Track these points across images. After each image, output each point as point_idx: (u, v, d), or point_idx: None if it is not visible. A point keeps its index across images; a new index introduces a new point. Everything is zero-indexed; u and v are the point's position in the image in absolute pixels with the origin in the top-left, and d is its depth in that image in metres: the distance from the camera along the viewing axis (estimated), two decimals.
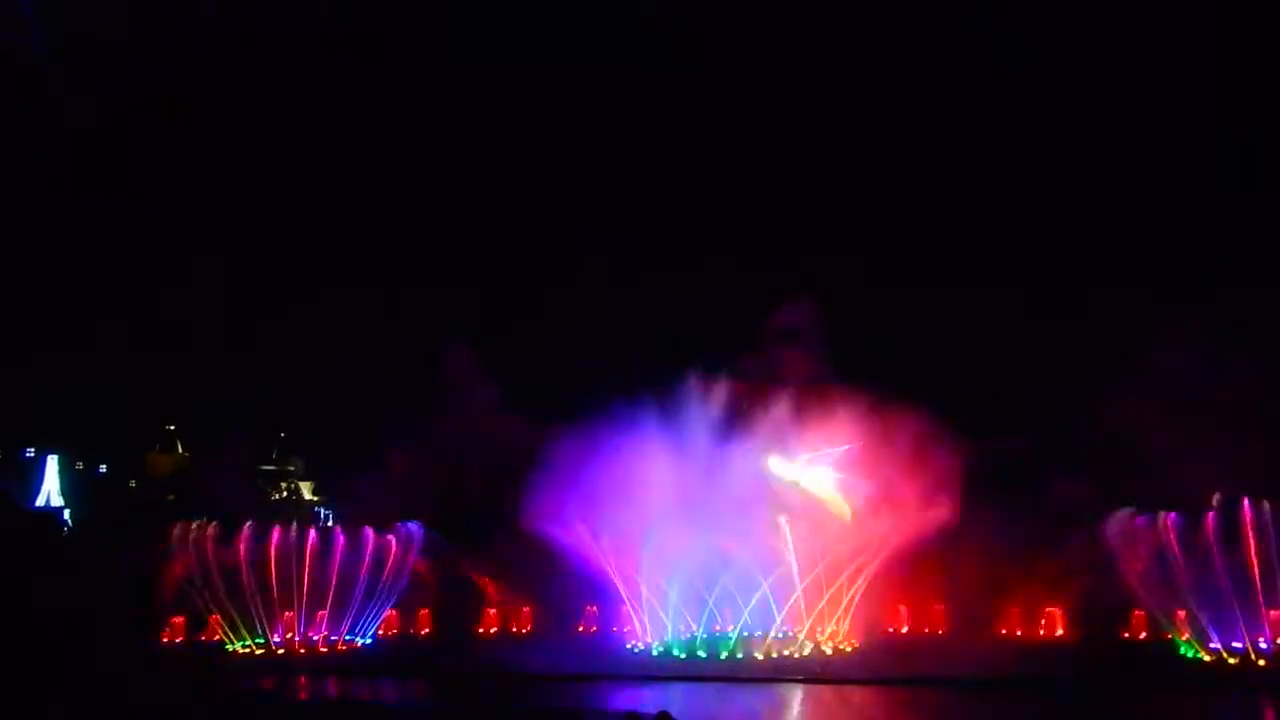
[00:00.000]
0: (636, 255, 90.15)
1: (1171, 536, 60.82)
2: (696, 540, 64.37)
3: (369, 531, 67.91)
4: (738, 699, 57.10)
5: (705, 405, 72.05)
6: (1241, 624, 58.94)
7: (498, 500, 69.68)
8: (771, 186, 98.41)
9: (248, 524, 67.04)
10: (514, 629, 71.31)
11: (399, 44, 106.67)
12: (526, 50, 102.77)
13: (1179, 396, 68.26)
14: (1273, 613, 59.28)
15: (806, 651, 63.53)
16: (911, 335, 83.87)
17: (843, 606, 65.84)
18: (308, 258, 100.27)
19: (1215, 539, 59.86)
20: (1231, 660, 58.56)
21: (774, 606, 65.04)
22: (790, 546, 66.34)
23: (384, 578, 68.17)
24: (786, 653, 63.32)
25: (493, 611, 71.09)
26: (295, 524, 69.30)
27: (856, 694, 56.97)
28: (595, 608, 69.26)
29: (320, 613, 66.95)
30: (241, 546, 66.24)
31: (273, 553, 66.48)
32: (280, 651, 65.63)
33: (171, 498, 79.57)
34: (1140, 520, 61.78)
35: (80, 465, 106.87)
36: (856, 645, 65.39)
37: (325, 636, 66.92)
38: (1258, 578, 59.16)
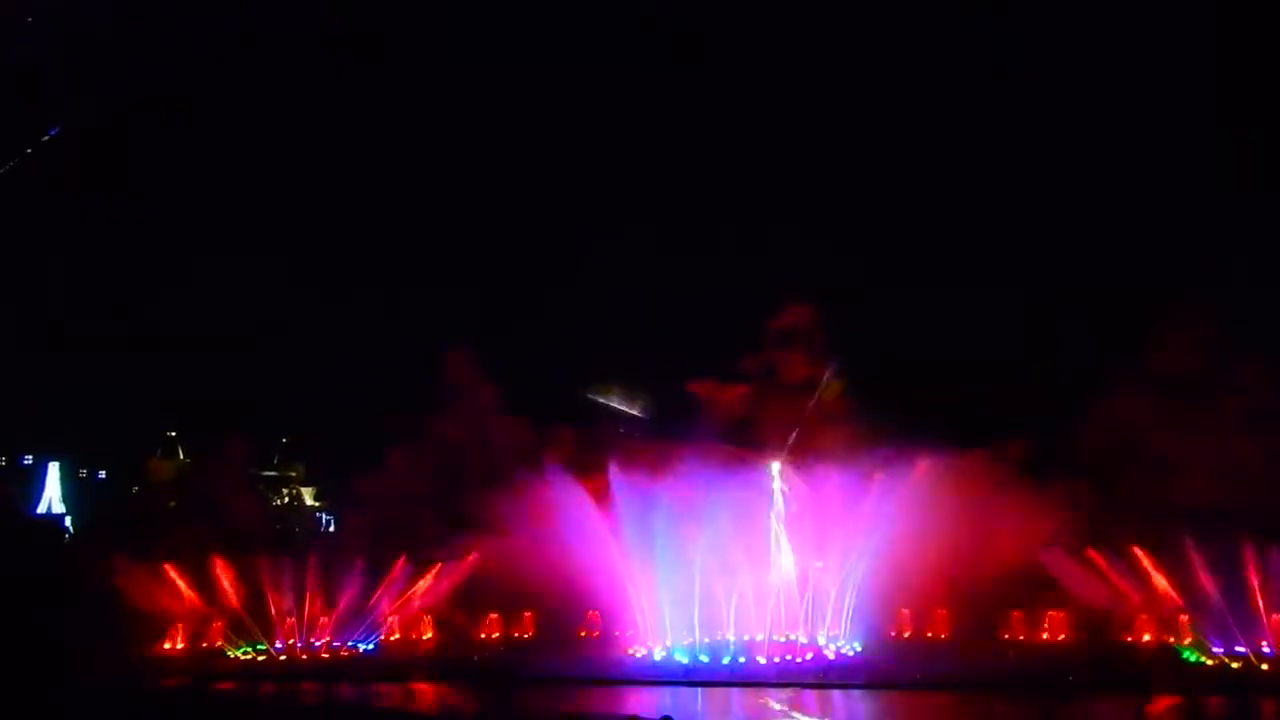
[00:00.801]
0: (637, 255, 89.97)
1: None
2: (699, 544, 64.36)
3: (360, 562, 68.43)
4: (741, 703, 57.12)
5: (705, 406, 72.18)
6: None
7: (498, 501, 69.75)
8: (772, 186, 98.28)
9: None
10: (515, 634, 71.18)
11: (399, 44, 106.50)
12: (526, 50, 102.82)
13: (1179, 397, 68.27)
14: (1274, 617, 59.40)
15: (809, 656, 63.46)
16: (911, 335, 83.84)
17: (844, 611, 65.80)
18: (308, 258, 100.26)
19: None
20: (1235, 665, 58.61)
21: (780, 610, 65.03)
22: (791, 549, 66.42)
23: (386, 583, 68.37)
24: (789, 657, 63.27)
25: (494, 616, 70.97)
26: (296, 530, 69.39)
27: (859, 698, 57.10)
28: (597, 613, 69.12)
29: (323, 619, 67.11)
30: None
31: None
32: (282, 658, 65.66)
33: (173, 504, 79.26)
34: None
35: (82, 472, 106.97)
36: (859, 649, 65.35)
37: (327, 643, 66.95)
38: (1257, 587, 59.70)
